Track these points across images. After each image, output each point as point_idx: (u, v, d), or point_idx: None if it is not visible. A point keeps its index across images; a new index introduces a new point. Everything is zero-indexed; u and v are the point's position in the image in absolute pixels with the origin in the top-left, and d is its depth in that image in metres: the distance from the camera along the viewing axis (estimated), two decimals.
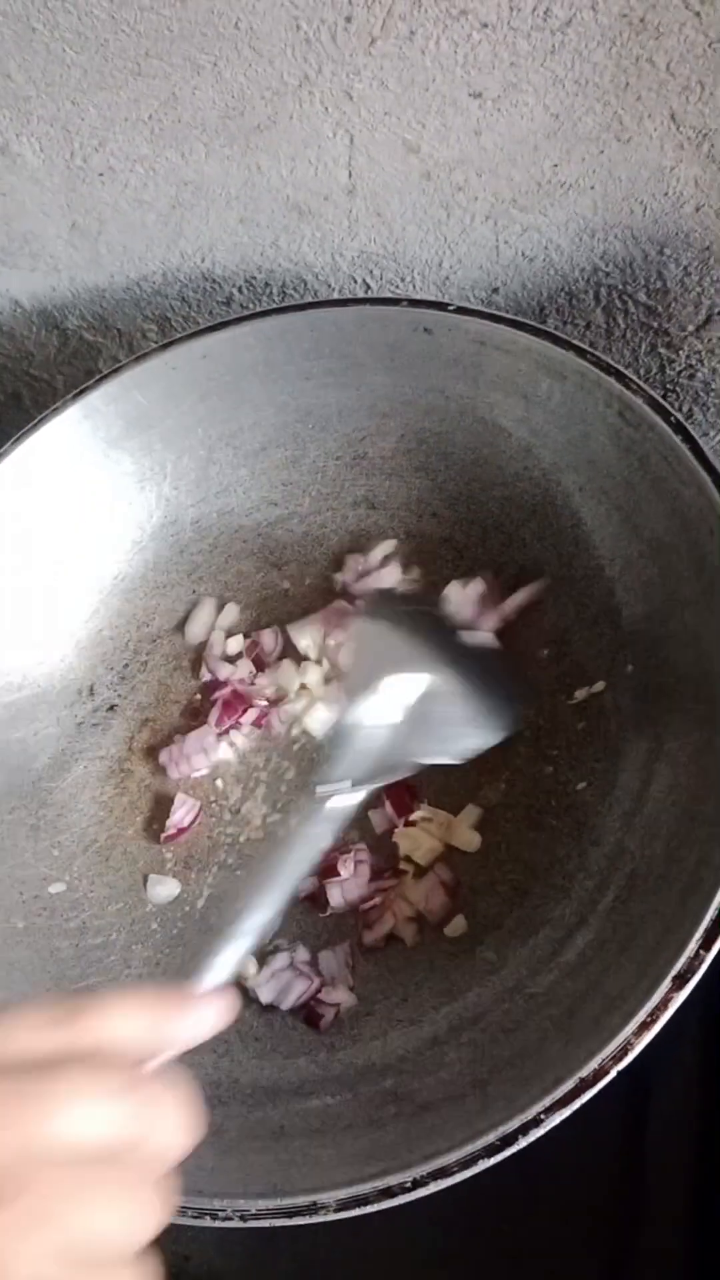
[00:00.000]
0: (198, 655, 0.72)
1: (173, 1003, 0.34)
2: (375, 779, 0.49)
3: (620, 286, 0.68)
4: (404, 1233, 0.59)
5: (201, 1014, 0.35)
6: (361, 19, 0.56)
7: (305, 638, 0.70)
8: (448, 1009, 0.57)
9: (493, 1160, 0.45)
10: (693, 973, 0.46)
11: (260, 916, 0.42)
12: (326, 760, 0.50)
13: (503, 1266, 0.59)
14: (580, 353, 0.59)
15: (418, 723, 0.51)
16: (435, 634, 0.56)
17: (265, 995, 0.60)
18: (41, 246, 0.72)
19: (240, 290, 0.73)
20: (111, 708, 0.71)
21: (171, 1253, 0.60)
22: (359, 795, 0.48)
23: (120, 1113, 0.29)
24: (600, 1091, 0.45)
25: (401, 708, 0.51)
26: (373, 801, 0.64)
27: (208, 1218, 0.48)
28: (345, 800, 0.48)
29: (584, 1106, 0.45)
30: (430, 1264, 0.59)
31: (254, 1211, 0.47)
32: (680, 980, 0.46)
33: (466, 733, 0.52)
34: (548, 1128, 0.45)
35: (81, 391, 0.68)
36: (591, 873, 0.57)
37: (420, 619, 0.58)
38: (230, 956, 0.40)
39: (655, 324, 0.70)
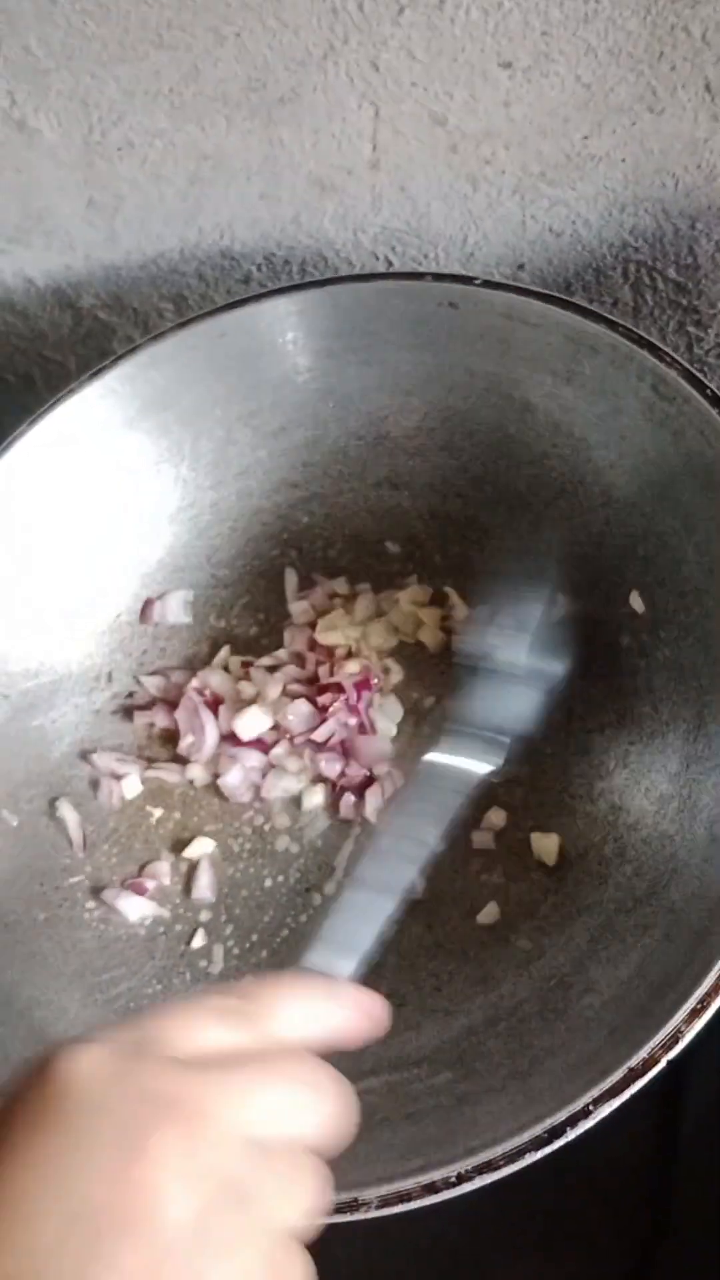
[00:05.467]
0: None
1: (338, 996, 0.35)
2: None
3: (649, 262, 0.67)
4: (428, 1228, 0.58)
5: (363, 1011, 0.35)
6: None
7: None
8: (483, 999, 0.55)
9: (540, 1154, 0.44)
10: None
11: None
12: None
13: (534, 1261, 0.58)
14: (611, 325, 0.58)
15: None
16: None
17: None
18: (57, 224, 0.70)
19: (259, 268, 0.72)
20: (130, 694, 0.69)
21: None
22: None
23: (300, 1102, 0.31)
24: None
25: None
26: None
27: None
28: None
29: None
30: (456, 1258, 0.58)
31: None
32: None
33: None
34: (597, 1119, 0.44)
35: (98, 371, 0.66)
36: (629, 858, 0.56)
37: None
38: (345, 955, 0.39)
39: (684, 301, 0.69)
